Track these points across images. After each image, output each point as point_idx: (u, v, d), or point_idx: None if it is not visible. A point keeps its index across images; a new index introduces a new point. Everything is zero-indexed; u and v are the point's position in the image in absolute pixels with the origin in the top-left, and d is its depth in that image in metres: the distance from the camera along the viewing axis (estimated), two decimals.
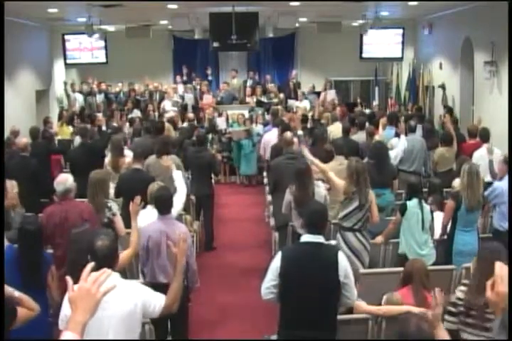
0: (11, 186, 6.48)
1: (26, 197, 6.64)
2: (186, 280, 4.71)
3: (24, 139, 8.03)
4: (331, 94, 14.11)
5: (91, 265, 2.31)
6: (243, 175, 12.13)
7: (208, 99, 14.08)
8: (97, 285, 2.21)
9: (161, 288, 4.32)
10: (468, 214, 5.58)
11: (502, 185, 6.08)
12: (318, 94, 14.44)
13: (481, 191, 5.67)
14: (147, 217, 4.94)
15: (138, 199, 4.63)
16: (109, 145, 7.74)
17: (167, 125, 9.45)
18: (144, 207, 5.25)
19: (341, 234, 5.51)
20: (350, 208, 5.48)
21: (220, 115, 12.89)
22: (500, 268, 2.33)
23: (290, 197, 5.93)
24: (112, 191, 6.06)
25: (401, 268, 4.81)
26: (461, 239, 5.58)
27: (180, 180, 5.72)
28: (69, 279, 2.33)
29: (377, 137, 8.33)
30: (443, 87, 12.61)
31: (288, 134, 7.49)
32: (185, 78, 15.33)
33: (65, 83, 14.49)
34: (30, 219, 4.47)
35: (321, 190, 5.97)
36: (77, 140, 9.52)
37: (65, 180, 5.09)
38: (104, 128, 10.66)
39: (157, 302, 3.29)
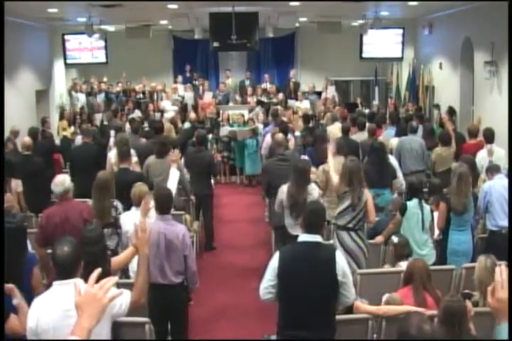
0: (16, 185, 6.51)
1: (30, 196, 6.67)
2: (186, 281, 4.71)
3: (27, 138, 8.03)
4: (331, 90, 14.13)
5: (98, 271, 2.30)
6: (248, 175, 12.09)
7: (209, 95, 14.06)
8: (103, 290, 2.19)
9: (158, 288, 4.33)
10: (459, 215, 5.60)
11: (490, 184, 6.14)
12: (319, 93, 14.46)
13: (469, 194, 5.67)
14: (131, 219, 4.94)
15: (150, 198, 4.63)
16: (117, 145, 7.73)
17: (168, 125, 9.44)
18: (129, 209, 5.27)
19: (337, 234, 5.51)
20: (342, 207, 5.49)
21: (224, 123, 12.71)
22: (500, 274, 2.30)
23: (282, 196, 5.93)
24: None
25: (401, 268, 4.83)
26: (455, 239, 5.60)
27: (174, 179, 5.77)
28: (76, 285, 2.33)
29: (380, 137, 8.37)
30: (437, 106, 12.61)
31: (279, 135, 7.47)
32: (188, 75, 15.31)
33: (73, 80, 14.51)
34: (13, 217, 4.37)
35: (314, 192, 5.96)
36: (78, 140, 9.53)
37: (62, 181, 5.09)
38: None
39: (123, 300, 3.24)
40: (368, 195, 5.59)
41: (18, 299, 3.31)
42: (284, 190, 5.94)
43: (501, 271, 2.31)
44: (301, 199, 5.67)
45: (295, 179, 5.85)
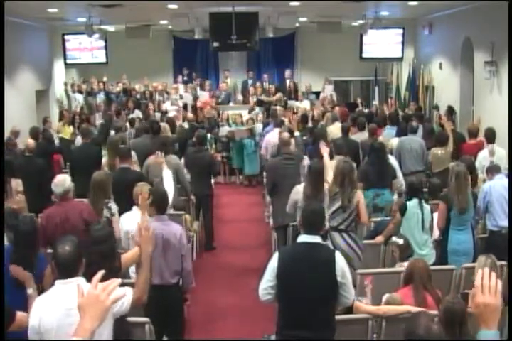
0: (16, 184, 6.51)
1: (32, 197, 6.66)
2: (181, 281, 4.71)
3: (31, 140, 8.02)
4: (329, 90, 14.14)
5: (101, 272, 2.29)
6: (247, 176, 12.07)
7: (203, 96, 14.03)
8: (106, 292, 2.19)
9: (155, 289, 4.32)
10: (461, 214, 5.60)
11: (490, 184, 6.14)
12: (317, 93, 14.44)
13: (468, 193, 5.66)
14: (132, 219, 4.94)
15: (146, 194, 4.63)
16: (106, 146, 7.74)
17: (163, 125, 9.40)
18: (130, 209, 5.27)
19: (329, 235, 5.43)
20: (333, 208, 5.43)
21: (224, 123, 12.68)
22: (481, 278, 2.17)
23: (297, 197, 5.89)
24: None
25: (401, 269, 4.83)
26: (455, 239, 5.59)
27: (169, 180, 5.76)
28: (79, 286, 2.33)
29: (380, 138, 8.36)
30: (437, 107, 12.63)
31: (285, 134, 7.48)
32: (185, 78, 15.32)
33: (66, 83, 14.51)
34: (26, 219, 4.42)
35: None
36: (78, 140, 9.51)
37: (62, 181, 5.09)
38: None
39: (124, 298, 3.22)
40: (359, 196, 5.53)
41: (32, 289, 3.32)
42: (299, 190, 5.89)
43: (483, 275, 2.16)
44: (317, 199, 5.63)
45: (310, 180, 5.80)
